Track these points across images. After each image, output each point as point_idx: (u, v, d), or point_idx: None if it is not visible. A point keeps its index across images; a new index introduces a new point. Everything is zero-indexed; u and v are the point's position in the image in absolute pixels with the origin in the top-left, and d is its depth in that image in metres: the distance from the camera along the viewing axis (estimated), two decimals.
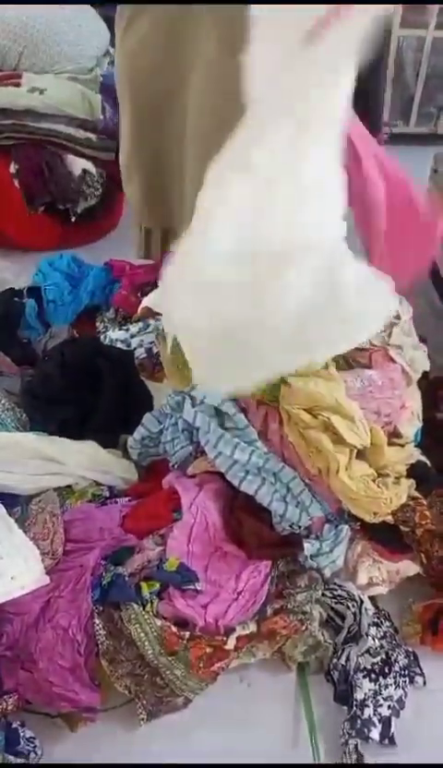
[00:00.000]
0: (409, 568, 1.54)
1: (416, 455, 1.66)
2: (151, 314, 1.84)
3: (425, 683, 1.43)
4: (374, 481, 1.49)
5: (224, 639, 1.37)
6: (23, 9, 2.50)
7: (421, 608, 1.49)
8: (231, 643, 1.37)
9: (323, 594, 1.48)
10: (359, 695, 1.37)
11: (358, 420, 1.50)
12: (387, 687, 1.39)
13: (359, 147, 1.29)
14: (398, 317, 1.73)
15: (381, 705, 1.37)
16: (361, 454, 1.53)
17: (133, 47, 1.42)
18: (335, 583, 1.50)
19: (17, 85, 2.41)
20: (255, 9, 0.91)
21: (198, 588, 1.40)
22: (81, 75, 2.55)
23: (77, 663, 1.32)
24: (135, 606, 1.36)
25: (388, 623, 1.48)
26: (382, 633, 1.46)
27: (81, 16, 2.55)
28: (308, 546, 1.49)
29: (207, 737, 1.35)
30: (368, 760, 1.31)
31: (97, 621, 1.35)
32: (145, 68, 1.42)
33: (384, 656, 1.42)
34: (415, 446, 1.67)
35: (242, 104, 0.98)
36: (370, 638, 1.42)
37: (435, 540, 1.50)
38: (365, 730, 1.33)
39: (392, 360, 1.68)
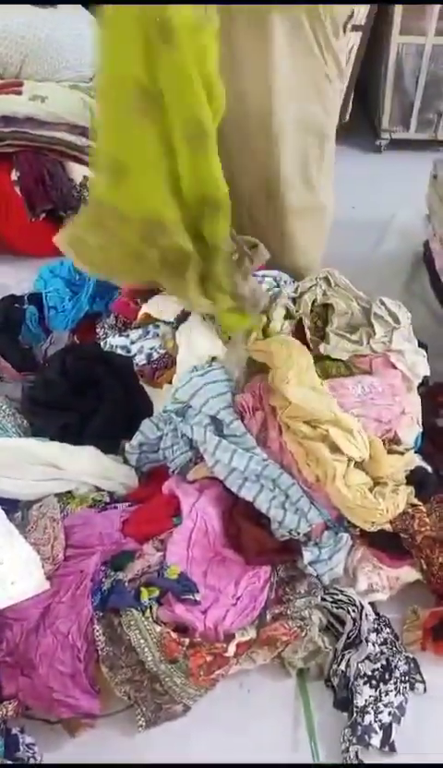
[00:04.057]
0: (409, 574, 1.54)
1: (416, 461, 1.66)
2: (151, 320, 1.85)
3: (425, 690, 1.43)
4: (371, 490, 1.49)
5: (224, 646, 1.37)
6: (25, 18, 2.52)
7: (426, 615, 1.49)
8: (231, 650, 1.37)
9: (323, 599, 1.48)
10: (359, 701, 1.37)
11: (357, 432, 1.50)
12: (387, 693, 1.39)
13: None
14: (398, 321, 1.74)
15: (382, 712, 1.36)
16: (359, 463, 1.53)
17: None
18: (335, 588, 1.50)
19: (19, 93, 2.43)
20: None
21: (197, 599, 1.40)
22: (82, 83, 2.56)
23: (77, 669, 1.32)
24: (134, 611, 1.36)
25: (388, 629, 1.48)
26: (382, 639, 1.45)
27: (82, 24, 2.57)
28: (307, 554, 1.49)
29: (206, 742, 1.35)
30: None
31: (97, 627, 1.35)
32: None
33: (384, 662, 1.42)
34: (415, 452, 1.67)
35: None
36: (370, 644, 1.42)
37: (435, 546, 1.50)
38: (366, 737, 1.33)
39: (393, 366, 1.69)
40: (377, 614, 1.50)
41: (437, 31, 2.87)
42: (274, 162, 1.72)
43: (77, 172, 2.42)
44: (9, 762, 1.26)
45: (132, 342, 1.83)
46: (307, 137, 1.72)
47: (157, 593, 1.40)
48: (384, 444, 1.57)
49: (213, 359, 1.71)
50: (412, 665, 1.45)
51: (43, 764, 1.30)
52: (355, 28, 2.83)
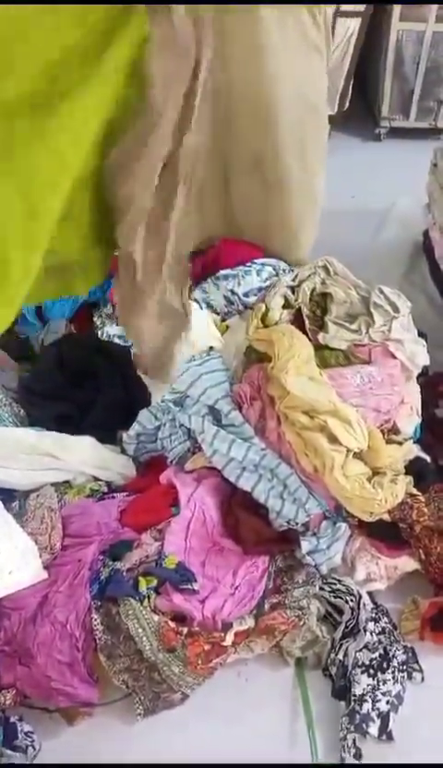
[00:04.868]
0: (407, 564, 1.54)
1: (415, 451, 1.66)
2: None
3: (423, 679, 1.43)
4: (369, 480, 1.49)
5: (222, 635, 1.37)
6: None
7: (426, 605, 1.49)
8: (229, 639, 1.37)
9: (321, 588, 1.48)
10: (357, 690, 1.37)
11: (356, 423, 1.49)
12: (385, 682, 1.39)
13: None
14: (397, 310, 1.72)
15: (380, 700, 1.37)
16: (358, 453, 1.52)
17: None
18: (333, 577, 1.50)
19: None
20: None
21: (195, 588, 1.40)
22: None
23: (75, 658, 1.32)
24: (132, 601, 1.36)
25: (386, 619, 1.48)
26: (380, 629, 1.45)
27: None
28: (305, 544, 1.49)
29: (204, 731, 1.36)
30: (367, 757, 1.31)
31: (95, 616, 1.35)
32: None
33: (382, 652, 1.42)
34: (414, 442, 1.67)
35: None
36: (368, 633, 1.42)
37: (433, 536, 1.50)
38: (364, 725, 1.33)
39: (392, 356, 1.68)
40: (374, 603, 1.50)
41: (438, 18, 2.83)
42: (268, 133, 1.62)
43: None
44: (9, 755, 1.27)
45: None
46: (303, 112, 1.63)
47: (155, 582, 1.40)
48: (383, 434, 1.57)
49: (211, 348, 1.71)
50: (409, 654, 1.45)
51: (42, 764, 1.30)
52: (354, 14, 2.80)
